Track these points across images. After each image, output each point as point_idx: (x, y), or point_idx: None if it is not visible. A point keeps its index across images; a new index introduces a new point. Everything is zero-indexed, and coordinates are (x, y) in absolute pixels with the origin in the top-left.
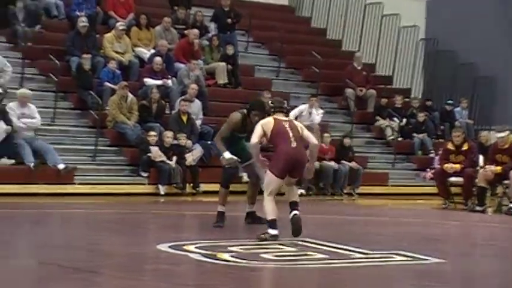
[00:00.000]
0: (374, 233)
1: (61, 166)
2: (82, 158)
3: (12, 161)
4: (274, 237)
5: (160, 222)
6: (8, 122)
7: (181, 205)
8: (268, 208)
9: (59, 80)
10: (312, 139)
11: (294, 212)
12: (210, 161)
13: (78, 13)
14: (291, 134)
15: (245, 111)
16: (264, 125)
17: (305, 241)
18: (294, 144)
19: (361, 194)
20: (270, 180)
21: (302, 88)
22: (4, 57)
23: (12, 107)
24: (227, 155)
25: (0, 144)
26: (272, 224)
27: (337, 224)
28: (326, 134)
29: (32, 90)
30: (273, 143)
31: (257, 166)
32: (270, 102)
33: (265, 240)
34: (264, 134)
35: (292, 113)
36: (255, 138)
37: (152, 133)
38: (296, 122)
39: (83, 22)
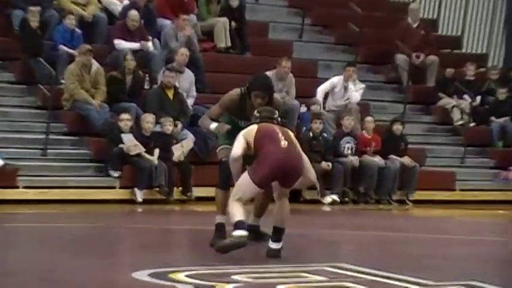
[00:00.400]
0: (435, 255)
1: None
2: (28, 151)
3: None
4: (242, 238)
5: (137, 241)
6: None
7: (166, 216)
8: (234, 210)
9: None
10: (309, 172)
11: (273, 244)
12: (207, 156)
13: None
14: (280, 134)
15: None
16: (246, 134)
17: (339, 267)
18: (284, 144)
19: (417, 202)
20: (245, 185)
21: (335, 54)
22: None
23: None
24: (213, 125)
25: None
26: (240, 225)
27: (384, 242)
28: (368, 118)
29: None
30: (257, 150)
31: None
32: (255, 112)
33: (230, 246)
34: (248, 146)
35: (321, 89)
36: (237, 149)
37: (125, 116)
38: (291, 133)
39: None
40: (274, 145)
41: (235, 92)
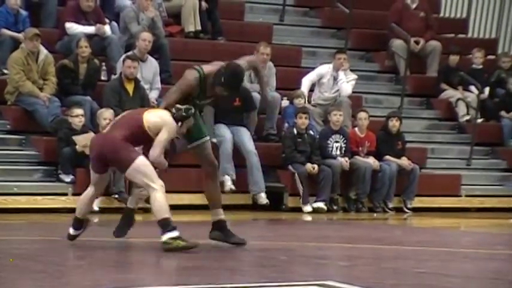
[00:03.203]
0: (438, 272)
1: None
2: None
3: None
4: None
5: (94, 256)
6: None
7: None
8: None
9: None
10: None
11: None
12: (174, 158)
13: None
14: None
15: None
16: None
17: (326, 286)
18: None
19: (416, 209)
20: None
21: (322, 38)
22: None
23: None
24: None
25: None
26: None
27: (378, 257)
28: (361, 114)
29: None
30: None
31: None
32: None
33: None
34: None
35: (307, 79)
36: None
37: (78, 112)
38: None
39: None
40: None
41: (192, 75)
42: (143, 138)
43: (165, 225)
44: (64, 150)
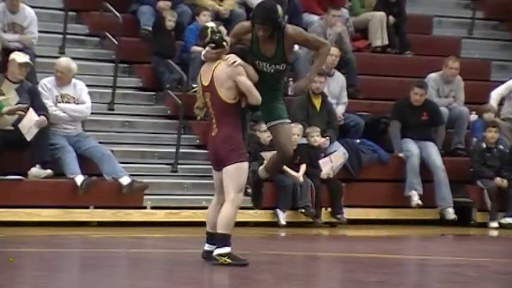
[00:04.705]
0: None
1: (124, 180)
2: (157, 166)
3: (48, 172)
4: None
5: (278, 271)
6: (41, 109)
7: (312, 242)
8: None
9: (120, 42)
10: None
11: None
12: (361, 172)
13: None
14: (211, 110)
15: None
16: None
17: None
18: (214, 132)
19: None
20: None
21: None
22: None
23: (47, 84)
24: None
25: (31, 146)
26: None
27: None
28: None
29: (77, 59)
30: None
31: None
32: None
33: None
34: None
35: (496, 93)
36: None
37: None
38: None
39: None
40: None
41: (247, 22)
42: (229, 107)
43: (223, 240)
44: (253, 164)
